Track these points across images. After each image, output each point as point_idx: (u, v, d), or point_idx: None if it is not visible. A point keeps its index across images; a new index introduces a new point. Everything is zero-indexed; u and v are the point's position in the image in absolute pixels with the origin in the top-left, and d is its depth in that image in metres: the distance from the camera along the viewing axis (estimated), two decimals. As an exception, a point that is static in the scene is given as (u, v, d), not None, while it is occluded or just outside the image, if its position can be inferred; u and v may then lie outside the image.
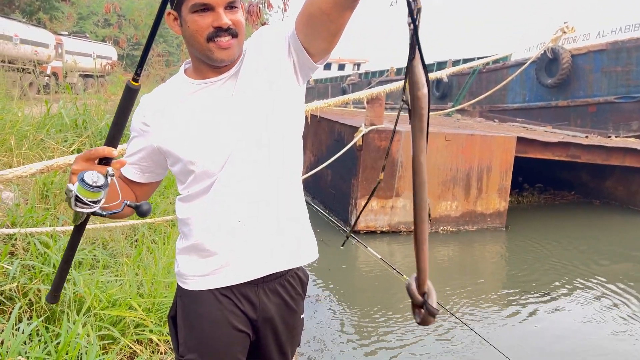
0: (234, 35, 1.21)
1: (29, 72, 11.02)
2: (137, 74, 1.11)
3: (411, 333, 3.66)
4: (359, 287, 4.91)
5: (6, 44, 12.92)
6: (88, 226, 1.25)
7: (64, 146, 4.30)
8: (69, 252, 1.26)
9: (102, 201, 1.09)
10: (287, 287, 1.37)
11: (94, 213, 1.10)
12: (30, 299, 2.19)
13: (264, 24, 9.62)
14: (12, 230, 2.41)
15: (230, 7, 1.20)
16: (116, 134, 1.15)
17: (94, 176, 1.06)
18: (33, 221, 2.85)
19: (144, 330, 2.30)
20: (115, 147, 1.14)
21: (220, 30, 1.18)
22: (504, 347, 3.05)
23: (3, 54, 11.45)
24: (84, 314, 2.10)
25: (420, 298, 1.00)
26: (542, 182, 8.92)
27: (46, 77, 14.98)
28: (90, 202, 1.06)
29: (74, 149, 4.30)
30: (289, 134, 1.32)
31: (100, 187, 1.06)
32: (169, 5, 1.23)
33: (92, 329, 2.05)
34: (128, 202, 1.16)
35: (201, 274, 1.31)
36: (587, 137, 8.14)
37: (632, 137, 9.45)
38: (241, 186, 1.27)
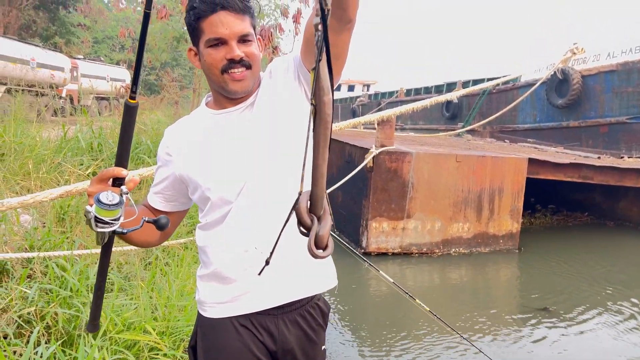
0: (247, 66, 1.26)
1: (46, 95, 11.24)
2: (133, 92, 1.17)
3: (424, 355, 3.62)
4: (369, 308, 4.88)
5: (24, 68, 13.22)
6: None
7: (80, 169, 4.38)
8: (99, 279, 1.29)
9: (121, 219, 1.12)
10: (307, 317, 1.38)
11: (114, 232, 1.14)
12: (47, 323, 2.22)
13: (276, 47, 9.80)
14: (30, 254, 2.46)
15: (244, 40, 1.25)
16: (123, 152, 1.20)
17: (109, 195, 1.09)
18: (50, 244, 2.89)
19: (157, 354, 2.32)
20: (125, 166, 1.19)
21: (233, 62, 1.24)
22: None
23: (21, 77, 11.71)
24: (100, 338, 2.12)
25: (308, 221, 0.85)
26: (555, 204, 8.86)
27: (62, 100, 15.27)
28: (109, 220, 1.10)
29: (89, 172, 4.37)
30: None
31: (116, 204, 1.09)
32: (190, 42, 1.32)
33: (107, 352, 2.07)
34: (146, 218, 1.20)
35: (220, 301, 1.34)
36: (599, 158, 8.09)
37: (645, 158, 9.38)
38: (258, 213, 1.30)
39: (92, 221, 1.10)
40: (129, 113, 1.19)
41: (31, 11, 21.36)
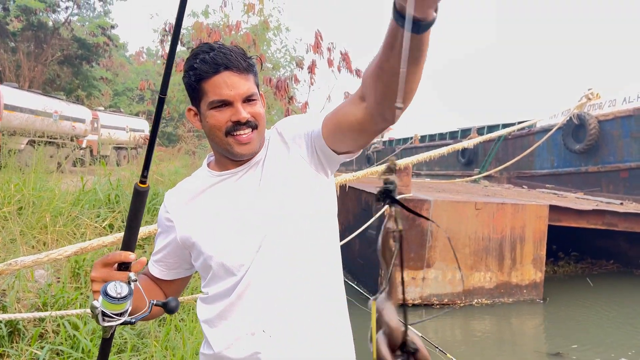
0: (254, 127, 1.19)
1: (66, 147, 11.49)
2: (144, 176, 1.11)
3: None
4: None
5: (47, 121, 13.61)
6: None
7: (96, 222, 4.37)
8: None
9: (129, 309, 1.06)
10: None
11: (123, 323, 1.07)
12: (57, 386, 2.14)
13: (291, 97, 9.97)
14: (43, 314, 2.39)
15: (249, 100, 1.19)
16: (131, 237, 1.14)
17: (117, 287, 1.03)
18: (64, 301, 2.83)
19: (171, 420, 2.20)
20: (132, 251, 1.13)
21: (238, 125, 1.17)
22: None
23: (44, 130, 12.05)
24: (111, 404, 2.02)
25: None
26: (578, 251, 8.61)
27: (81, 151, 15.61)
28: (117, 314, 1.03)
29: (105, 225, 4.36)
30: (321, 229, 1.25)
31: (125, 297, 1.03)
32: (190, 102, 1.26)
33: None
34: (155, 302, 1.13)
35: None
36: (622, 204, 7.91)
37: (668, 203, 9.15)
38: (267, 289, 1.19)
39: (100, 316, 1.03)
40: (139, 198, 1.14)
41: (55, 66, 22.23)
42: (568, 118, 11.17)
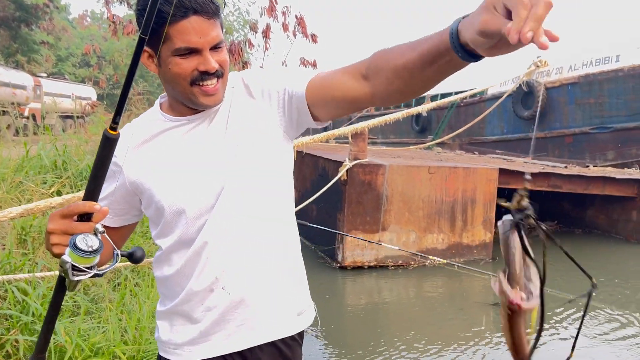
0: (220, 76, 1.13)
1: (7, 114, 10.88)
2: (115, 122, 1.02)
3: (408, 356, 3.56)
4: (347, 321, 4.80)
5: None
6: None
7: (43, 188, 4.19)
8: (52, 312, 1.13)
9: (97, 262, 1.00)
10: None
11: (92, 276, 1.02)
12: (7, 351, 2.07)
13: (245, 63, 9.76)
14: (-12, 278, 2.30)
15: (216, 47, 1.12)
16: (96, 187, 1.05)
17: (87, 240, 0.97)
18: (11, 267, 2.73)
19: (128, 380, 2.19)
20: (96, 201, 1.04)
21: (206, 74, 1.10)
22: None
23: (-20, 96, 11.32)
24: (65, 365, 1.99)
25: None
26: (525, 213, 9.00)
27: (24, 119, 14.81)
28: (87, 268, 0.98)
29: (53, 191, 4.19)
30: (280, 183, 1.24)
31: (96, 250, 0.97)
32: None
33: (73, 381, 1.94)
34: (120, 252, 1.08)
35: (182, 342, 1.21)
36: (566, 167, 8.28)
37: (609, 167, 9.67)
38: (225, 243, 1.17)
39: (69, 271, 0.97)
40: (108, 145, 1.03)
41: (-9, 29, 20.82)
42: (517, 85, 11.49)
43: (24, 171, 4.37)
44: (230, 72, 1.22)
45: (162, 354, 1.25)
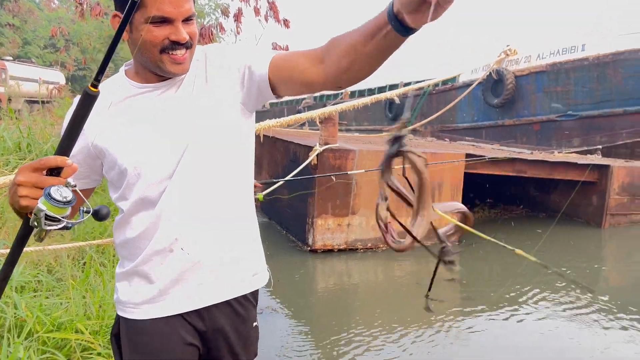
0: (189, 47, 1.19)
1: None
2: (97, 80, 1.04)
3: (370, 346, 3.66)
4: (315, 302, 4.89)
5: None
6: (30, 249, 1.19)
7: (6, 169, 4.13)
8: (7, 268, 1.15)
9: (68, 214, 1.04)
10: (236, 296, 1.33)
11: (61, 229, 1.05)
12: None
13: (217, 46, 9.62)
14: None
15: (188, 20, 1.18)
16: (69, 144, 1.07)
17: (61, 191, 1.00)
18: (-29, 245, 2.71)
19: (91, 354, 2.21)
20: (68, 156, 1.06)
21: (177, 44, 1.16)
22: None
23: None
24: (25, 338, 2.00)
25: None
26: (493, 198, 9.22)
27: (-12, 103, 14.38)
28: (61, 218, 1.01)
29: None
30: (239, 153, 1.31)
31: (69, 201, 1.01)
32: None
33: (34, 353, 1.95)
34: (86, 209, 1.10)
35: (142, 301, 1.25)
36: (532, 153, 8.50)
37: (573, 153, 9.96)
38: (186, 206, 1.22)
39: (42, 220, 0.99)
40: (87, 102, 1.04)
41: (-47, 9, 20.04)
42: (488, 73, 11.70)
43: (-13, 152, 4.30)
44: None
45: (120, 313, 1.30)
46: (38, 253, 2.94)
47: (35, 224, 1.01)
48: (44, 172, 1.04)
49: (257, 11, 8.70)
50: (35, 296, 2.40)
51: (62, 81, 19.72)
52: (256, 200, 3.50)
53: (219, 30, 9.31)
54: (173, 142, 1.21)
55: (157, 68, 1.19)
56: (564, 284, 5.16)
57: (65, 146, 1.07)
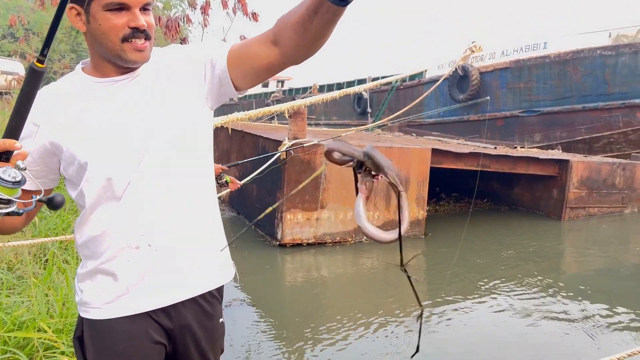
0: (148, 37, 1.19)
1: None
2: (43, 55, 1.01)
3: (341, 343, 3.71)
4: (285, 298, 4.91)
5: None
6: None
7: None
8: None
9: (18, 196, 1.00)
10: (203, 293, 1.33)
11: (10, 213, 1.00)
12: None
13: (184, 39, 9.52)
14: None
15: (145, 9, 1.17)
16: (18, 123, 1.03)
17: (9, 172, 0.97)
18: None
19: (54, 353, 2.18)
20: (17, 139, 1.03)
21: (137, 32, 1.15)
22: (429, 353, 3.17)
23: None
24: (-15, 338, 1.95)
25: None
26: (458, 192, 9.42)
27: (-58, 94, 13.75)
28: (10, 199, 0.98)
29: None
30: (200, 147, 1.31)
31: (19, 182, 0.98)
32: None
33: (-5, 353, 1.91)
34: (39, 198, 1.07)
35: (106, 300, 1.23)
36: (495, 148, 8.72)
37: (535, 148, 10.26)
38: (151, 200, 1.21)
39: None
40: (34, 78, 1.02)
41: None
42: (453, 69, 11.89)
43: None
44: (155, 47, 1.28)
45: (83, 315, 1.26)
46: (-3, 250, 2.86)
47: None
48: None
49: (225, 4, 8.61)
50: (-6, 295, 2.34)
51: (22, 72, 19.03)
52: (225, 183, 3.50)
53: (185, 22, 9.17)
54: (134, 135, 1.20)
55: (117, 58, 1.18)
56: (527, 274, 5.34)
57: (14, 127, 1.04)
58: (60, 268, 2.99)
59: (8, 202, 0.99)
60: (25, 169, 1.01)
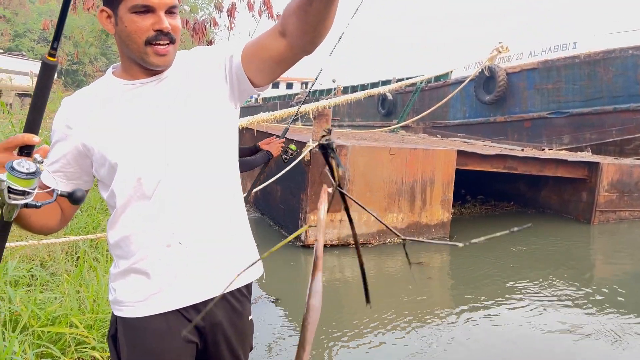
0: (172, 41, 1.21)
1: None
2: (54, 48, 1.03)
3: (365, 343, 3.71)
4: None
5: None
6: (24, 243, 1.19)
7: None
8: None
9: (35, 191, 1.02)
10: (232, 291, 1.35)
11: (27, 205, 1.02)
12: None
13: (210, 42, 9.64)
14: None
15: (170, 12, 1.20)
16: (36, 118, 1.07)
17: (24, 164, 0.98)
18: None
19: (85, 348, 2.24)
20: (36, 133, 1.07)
21: (161, 34, 1.18)
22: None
23: None
24: (20, 332, 2.02)
25: None
26: (484, 194, 9.30)
27: (-21, 96, 14.24)
28: (25, 190, 0.99)
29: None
30: (227, 146, 1.34)
31: (33, 173, 0.99)
32: (101, 2, 1.22)
33: (29, 347, 1.98)
34: (59, 191, 1.09)
35: (139, 299, 1.25)
36: (523, 150, 8.58)
37: (563, 150, 10.06)
38: (181, 198, 1.23)
39: (5, 191, 0.97)
40: (47, 72, 1.06)
41: (-58, 1, 19.79)
42: (480, 70, 11.75)
43: (-22, 147, 4.28)
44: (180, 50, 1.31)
45: (117, 313, 1.28)
46: (32, 247, 2.95)
47: (0, 198, 1.00)
48: (15, 152, 1.05)
49: (250, 6, 8.70)
50: (29, 291, 2.41)
51: (55, 75, 19.52)
52: (291, 151, 3.55)
53: (212, 25, 9.29)
54: (161, 135, 1.23)
55: (141, 60, 1.21)
56: (556, 278, 5.24)
57: (32, 120, 1.07)
58: (91, 265, 3.07)
59: (23, 193, 1.00)
60: (42, 162, 1.03)
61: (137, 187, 1.22)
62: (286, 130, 4.18)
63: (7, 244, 2.56)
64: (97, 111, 1.24)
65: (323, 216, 0.76)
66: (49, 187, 1.22)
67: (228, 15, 8.97)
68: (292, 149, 3.68)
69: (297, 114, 4.41)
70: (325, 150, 0.73)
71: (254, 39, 1.25)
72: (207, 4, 10.38)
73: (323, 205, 0.79)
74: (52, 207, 1.25)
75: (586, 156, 8.65)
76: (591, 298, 4.72)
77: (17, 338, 1.93)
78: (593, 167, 7.92)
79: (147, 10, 1.16)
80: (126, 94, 1.25)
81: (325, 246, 6.24)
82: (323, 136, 0.74)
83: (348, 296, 5.03)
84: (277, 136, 3.54)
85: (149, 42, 1.18)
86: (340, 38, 4.07)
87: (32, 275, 2.74)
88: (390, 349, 3.64)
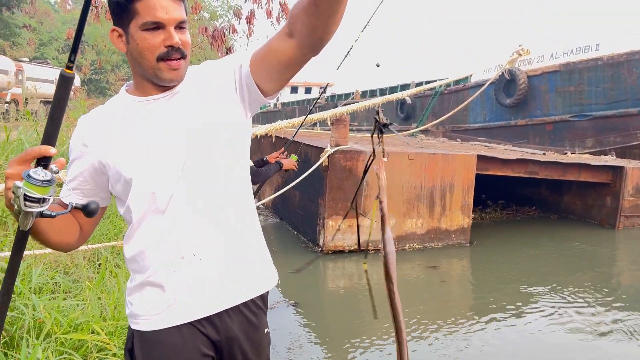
0: (184, 56, 1.22)
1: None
2: (71, 61, 1.06)
3: (380, 337, 3.69)
4: (328, 302, 4.92)
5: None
6: (48, 251, 1.20)
7: (24, 172, 4.21)
8: (8, 281, 1.14)
9: (51, 200, 1.03)
10: (248, 303, 1.35)
11: (42, 214, 1.04)
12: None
13: (229, 48, 9.74)
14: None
15: (180, 27, 1.21)
16: (53, 129, 1.08)
17: (40, 172, 1.00)
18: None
19: (107, 355, 2.27)
20: (53, 145, 1.08)
21: (172, 50, 1.19)
22: None
23: (-40, 80, 11.14)
24: (43, 339, 2.06)
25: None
26: (505, 199, 9.18)
27: (6, 104, 14.63)
28: (41, 197, 1.00)
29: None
30: (239, 158, 1.34)
31: (49, 181, 1.01)
32: (111, 22, 1.23)
33: (52, 354, 2.01)
34: (75, 204, 1.10)
35: (155, 312, 1.25)
36: (544, 154, 8.45)
37: (586, 154, 9.87)
38: (194, 211, 1.25)
39: (21, 199, 0.99)
40: (64, 85, 1.08)
41: (-29, 12, 20.40)
42: (500, 73, 11.62)
43: (5, 155, 4.39)
44: (192, 65, 1.32)
45: (133, 327, 1.29)
46: (55, 255, 3.02)
47: (16, 206, 1.01)
48: (32, 163, 1.06)
49: (269, 13, 8.76)
50: (53, 298, 2.46)
51: (78, 83, 19.96)
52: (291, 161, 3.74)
53: (231, 32, 9.38)
54: (173, 149, 1.24)
55: (154, 76, 1.22)
56: (581, 284, 5.14)
57: (49, 132, 1.09)
58: (112, 272, 3.12)
59: (39, 200, 1.01)
60: (57, 172, 1.04)
61: (152, 202, 1.24)
62: (294, 136, 4.29)
63: (32, 252, 2.62)
64: (111, 128, 1.26)
65: (384, 181, 1.32)
66: (66, 204, 1.24)
67: (247, 23, 9.05)
68: (294, 160, 3.87)
69: (306, 118, 4.42)
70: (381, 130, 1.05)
71: (261, 46, 1.26)
72: (226, 11, 10.52)
73: (382, 172, 1.32)
74: (70, 222, 1.27)
75: (610, 160, 8.47)
76: (618, 304, 4.61)
77: (40, 345, 1.97)
78: (617, 171, 7.76)
79: (158, 27, 1.18)
80: (140, 111, 1.27)
81: (343, 252, 6.26)
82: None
83: (367, 301, 5.00)
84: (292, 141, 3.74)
85: (161, 58, 1.20)
86: (356, 40, 4.06)
87: (56, 282, 2.79)
88: (410, 352, 3.60)
